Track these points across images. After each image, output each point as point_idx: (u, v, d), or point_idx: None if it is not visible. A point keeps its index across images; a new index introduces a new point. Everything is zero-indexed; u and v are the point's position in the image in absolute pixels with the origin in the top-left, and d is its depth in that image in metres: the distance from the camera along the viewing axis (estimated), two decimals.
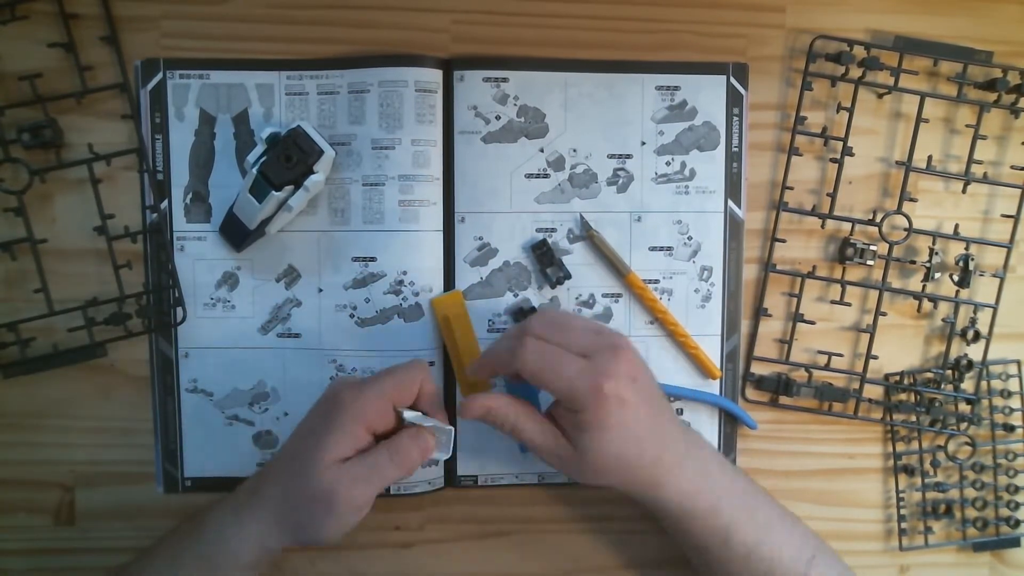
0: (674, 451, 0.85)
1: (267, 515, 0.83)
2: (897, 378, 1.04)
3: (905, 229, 1.01)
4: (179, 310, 0.96)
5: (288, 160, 0.90)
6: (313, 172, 0.91)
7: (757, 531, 0.86)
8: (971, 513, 1.05)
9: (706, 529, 0.86)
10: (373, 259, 0.97)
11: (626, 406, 0.79)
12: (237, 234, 0.95)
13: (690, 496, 0.85)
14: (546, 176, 0.99)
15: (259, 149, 0.91)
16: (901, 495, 1.04)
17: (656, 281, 1.00)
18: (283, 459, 0.85)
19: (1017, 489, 1.05)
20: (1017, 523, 1.05)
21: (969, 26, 1.02)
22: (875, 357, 1.03)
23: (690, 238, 1.00)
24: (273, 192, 0.89)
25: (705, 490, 0.86)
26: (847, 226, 1.02)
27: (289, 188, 0.91)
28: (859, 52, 0.99)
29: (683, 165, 1.00)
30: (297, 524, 0.82)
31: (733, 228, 1.01)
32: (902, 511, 1.05)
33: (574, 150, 0.99)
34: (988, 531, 1.05)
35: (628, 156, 0.99)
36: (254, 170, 0.90)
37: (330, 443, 0.80)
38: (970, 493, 1.05)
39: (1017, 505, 1.05)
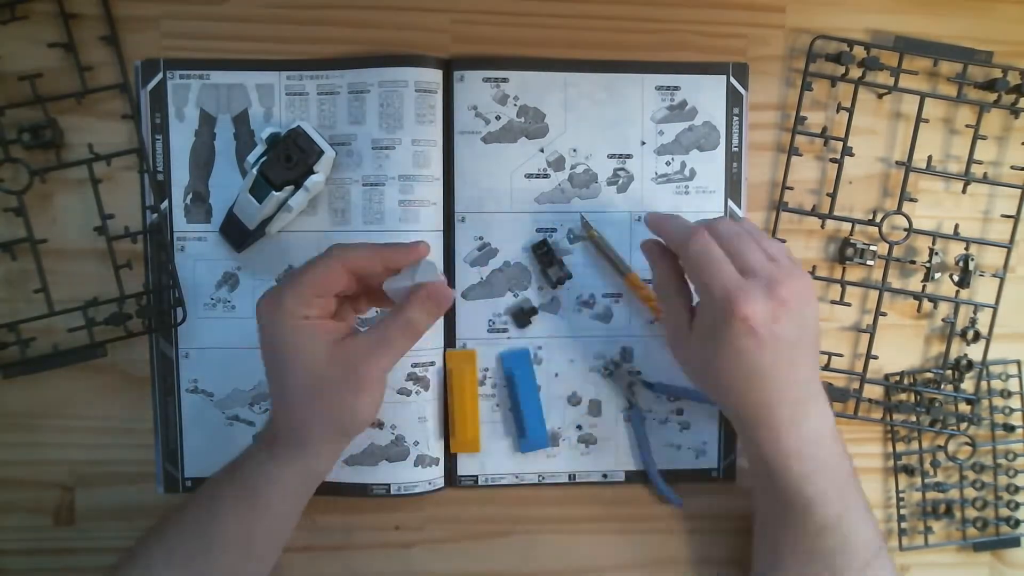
0: (793, 406, 0.82)
1: (303, 433, 0.83)
2: (897, 378, 1.04)
3: (905, 229, 1.01)
4: (179, 310, 0.96)
5: (288, 160, 0.90)
6: (313, 172, 0.91)
7: (838, 512, 0.83)
8: (971, 513, 1.05)
9: (789, 491, 0.83)
10: None
11: (760, 339, 0.77)
12: (237, 234, 0.95)
13: (791, 456, 0.82)
14: (546, 176, 0.99)
15: (259, 149, 0.91)
16: (901, 495, 1.04)
17: None
18: (278, 382, 0.83)
19: (1017, 489, 1.05)
20: (1017, 523, 1.05)
21: (969, 26, 1.02)
22: (875, 357, 1.03)
23: None
24: (273, 192, 0.90)
25: (807, 456, 0.83)
26: (847, 226, 1.02)
27: (289, 188, 0.91)
28: (859, 52, 0.99)
29: (683, 165, 1.00)
30: (331, 422, 0.83)
31: None
32: (902, 511, 1.05)
33: (574, 150, 0.99)
34: (988, 531, 1.05)
35: (628, 156, 0.99)
36: (254, 170, 0.90)
37: (302, 349, 0.80)
38: (970, 493, 1.05)
39: (1017, 505, 1.05)
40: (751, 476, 0.91)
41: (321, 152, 0.91)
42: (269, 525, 0.85)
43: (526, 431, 0.98)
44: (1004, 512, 1.05)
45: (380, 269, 0.83)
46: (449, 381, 0.98)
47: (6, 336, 0.94)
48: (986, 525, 1.05)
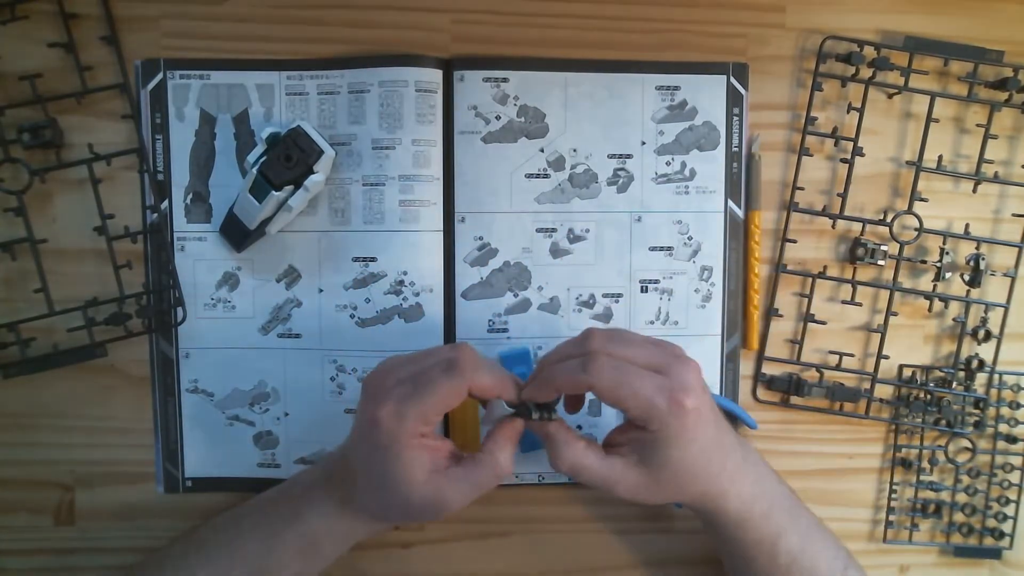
0: (735, 459, 0.84)
1: (359, 511, 0.83)
2: (911, 371, 1.03)
3: (915, 229, 1.01)
4: (179, 310, 0.96)
5: (288, 160, 0.90)
6: (313, 172, 0.91)
7: (801, 539, 0.86)
8: (959, 518, 1.05)
9: (758, 536, 0.85)
10: (373, 259, 0.96)
11: (703, 419, 0.78)
12: (237, 234, 0.95)
13: (748, 502, 0.84)
14: (546, 176, 0.98)
15: (259, 149, 0.91)
16: (895, 488, 1.04)
17: (656, 281, 1.00)
18: (367, 486, 0.82)
19: (1008, 501, 1.05)
20: (1002, 535, 1.05)
21: (974, 26, 1.02)
22: (886, 357, 1.02)
23: (690, 238, 0.99)
24: (273, 192, 0.89)
25: (760, 496, 0.86)
26: (857, 226, 1.01)
27: (289, 188, 0.91)
28: (869, 52, 0.98)
29: (683, 165, 0.99)
30: (402, 518, 0.90)
31: (733, 228, 1.00)
32: (893, 503, 1.04)
33: (574, 150, 0.98)
34: (972, 538, 1.05)
35: (628, 156, 0.99)
36: (254, 170, 0.90)
37: (407, 470, 0.78)
38: (961, 498, 1.05)
39: (1005, 517, 1.04)
40: (722, 547, 0.92)
41: (321, 152, 0.91)
42: (320, 565, 0.88)
43: (526, 431, 0.97)
44: (991, 523, 1.05)
45: (496, 396, 0.82)
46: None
47: (6, 336, 0.95)
48: (971, 532, 1.05)
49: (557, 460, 0.81)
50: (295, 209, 0.92)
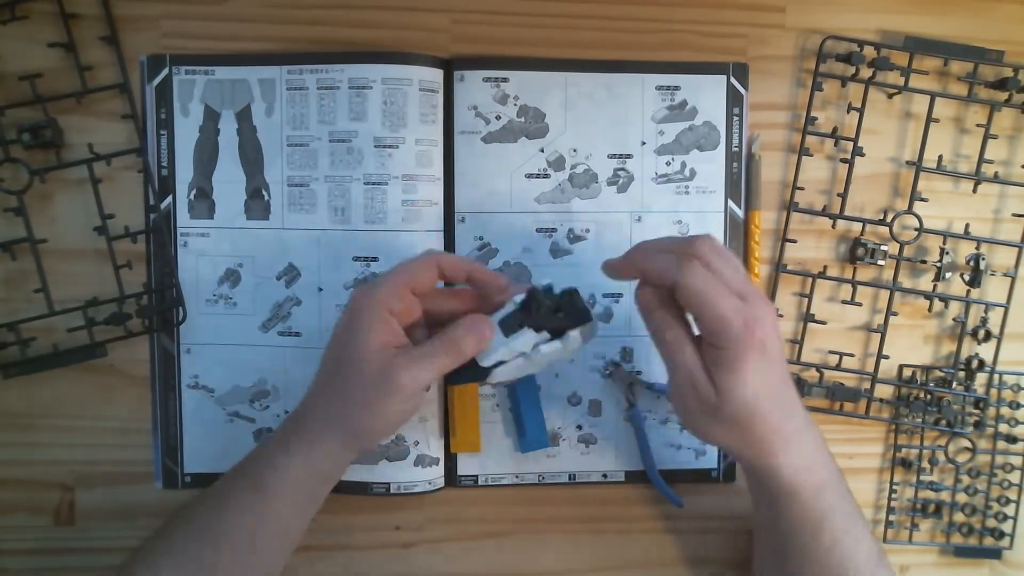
0: (795, 422, 0.82)
1: (317, 428, 0.83)
2: (911, 371, 1.03)
3: (915, 229, 1.01)
4: (179, 310, 0.97)
5: (556, 312, 0.84)
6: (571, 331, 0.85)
7: (846, 522, 0.84)
8: (959, 518, 1.05)
9: (804, 511, 0.83)
10: (375, 259, 0.96)
11: (768, 356, 0.78)
12: (463, 375, 0.87)
13: (801, 472, 0.82)
14: (546, 176, 0.98)
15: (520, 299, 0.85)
16: (895, 488, 1.04)
17: None
18: (325, 371, 0.85)
19: (1008, 501, 1.05)
20: (1002, 535, 1.05)
21: (972, 26, 1.02)
22: (886, 357, 1.02)
23: None
24: (527, 328, 0.84)
25: (815, 468, 0.83)
26: (857, 226, 1.01)
27: (546, 336, 0.85)
28: (869, 52, 0.99)
29: (683, 165, 0.99)
30: (351, 422, 0.83)
31: (733, 228, 1.00)
32: (893, 502, 1.04)
33: (574, 150, 0.98)
34: (972, 538, 1.05)
35: (628, 156, 0.99)
36: (516, 315, 0.84)
37: (370, 336, 0.80)
38: (961, 498, 1.05)
39: (1005, 517, 1.05)
40: (763, 520, 0.90)
41: (588, 320, 0.85)
42: (276, 520, 0.85)
43: (526, 431, 0.97)
44: (991, 523, 1.05)
45: (464, 278, 0.86)
46: (450, 393, 0.98)
47: (6, 336, 0.95)
48: (971, 532, 1.05)
49: (664, 329, 0.82)
50: (534, 359, 0.85)
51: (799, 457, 0.82)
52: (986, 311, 1.03)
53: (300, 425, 0.85)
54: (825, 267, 1.02)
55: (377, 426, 0.83)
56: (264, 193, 0.97)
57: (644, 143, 0.99)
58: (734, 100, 0.99)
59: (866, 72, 0.99)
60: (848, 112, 1.00)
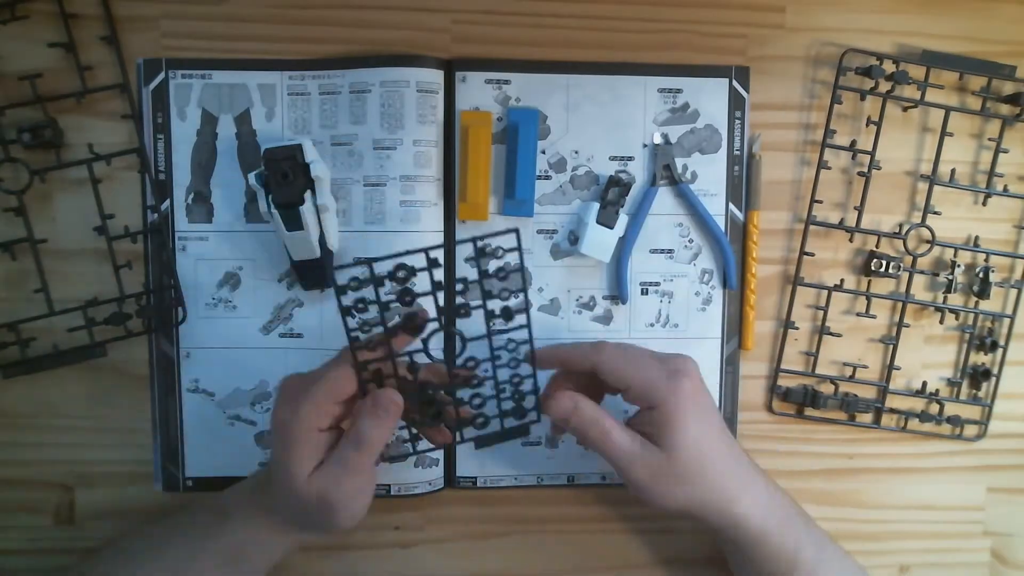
0: (743, 464, 0.86)
1: (280, 521, 0.84)
2: (922, 382, 1.04)
3: (928, 242, 1.02)
4: (179, 310, 0.96)
5: (284, 177, 0.89)
6: (308, 164, 0.91)
7: (817, 554, 0.87)
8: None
9: (777, 551, 0.86)
10: (375, 259, 0.96)
11: (700, 403, 0.82)
12: (315, 273, 0.95)
13: (764, 513, 0.85)
14: (548, 178, 0.98)
15: (261, 196, 0.91)
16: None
17: (657, 284, 1.00)
18: (273, 484, 0.84)
19: None
20: None
21: (968, 27, 1.03)
22: (898, 368, 1.03)
23: (691, 241, 1.00)
24: (300, 208, 0.89)
25: (775, 507, 0.86)
26: (873, 237, 1.02)
27: (308, 194, 0.91)
28: (888, 66, 0.99)
29: (685, 168, 0.99)
30: (310, 526, 0.85)
31: (734, 231, 1.00)
32: None
33: (576, 152, 0.99)
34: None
35: (630, 158, 0.99)
36: (273, 211, 0.89)
37: (294, 463, 0.79)
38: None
39: None
40: (739, 567, 0.93)
41: (297, 145, 0.91)
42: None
43: (515, 190, 0.97)
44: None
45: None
46: (463, 141, 0.97)
47: (6, 336, 0.94)
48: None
49: (586, 428, 0.83)
50: (329, 205, 0.93)
51: (758, 497, 0.85)
52: (993, 322, 1.04)
53: (270, 499, 0.85)
54: (842, 280, 1.02)
55: (337, 528, 0.83)
56: None
57: (646, 145, 0.99)
58: (736, 103, 0.99)
59: (885, 86, 1.00)
60: (867, 126, 1.01)
